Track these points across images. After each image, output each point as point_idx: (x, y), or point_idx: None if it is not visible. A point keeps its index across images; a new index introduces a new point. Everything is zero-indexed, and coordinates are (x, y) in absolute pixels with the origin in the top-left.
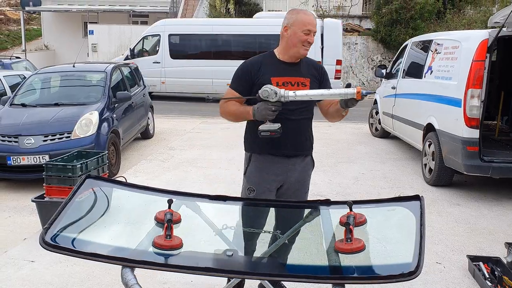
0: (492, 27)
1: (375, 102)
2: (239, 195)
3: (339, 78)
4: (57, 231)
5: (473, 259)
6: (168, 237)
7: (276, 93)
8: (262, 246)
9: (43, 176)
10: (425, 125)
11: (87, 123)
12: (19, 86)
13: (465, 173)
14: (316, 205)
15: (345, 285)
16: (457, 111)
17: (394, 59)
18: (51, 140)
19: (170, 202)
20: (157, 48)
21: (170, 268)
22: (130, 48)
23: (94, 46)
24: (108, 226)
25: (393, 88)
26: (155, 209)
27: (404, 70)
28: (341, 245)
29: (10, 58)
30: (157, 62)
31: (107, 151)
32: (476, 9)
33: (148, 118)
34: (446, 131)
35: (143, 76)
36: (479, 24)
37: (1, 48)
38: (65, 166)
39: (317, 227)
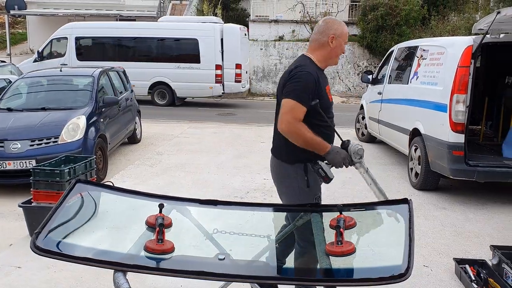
0: (476, 34)
1: (362, 107)
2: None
3: (239, 81)
4: (48, 236)
5: (460, 262)
6: (160, 241)
7: (361, 158)
8: (254, 249)
9: (31, 181)
10: (411, 130)
11: (74, 128)
12: (5, 90)
13: (451, 177)
14: (307, 209)
15: (336, 287)
16: (443, 116)
17: (380, 65)
18: (37, 144)
19: (161, 206)
20: (65, 51)
21: (162, 272)
22: (38, 51)
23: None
24: (99, 231)
25: (379, 93)
26: (146, 214)
27: (390, 75)
28: (332, 248)
29: None
30: (64, 64)
31: (94, 156)
32: (460, 16)
33: (136, 123)
34: (432, 135)
35: None
36: (463, 30)
37: None
38: (53, 171)
39: (308, 231)
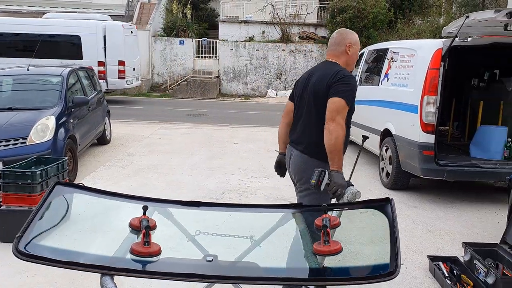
0: (446, 37)
1: None
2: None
3: (123, 78)
4: (30, 240)
5: (433, 259)
6: (146, 243)
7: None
8: (238, 251)
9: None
10: (382, 130)
11: (43, 128)
12: None
13: (421, 176)
14: (290, 209)
15: (327, 286)
16: (414, 117)
17: None
18: (4, 146)
19: (145, 208)
20: None
21: (152, 275)
22: None
23: None
24: (81, 234)
25: None
26: (128, 216)
27: (360, 77)
28: (319, 247)
29: None
30: None
31: (66, 157)
32: (424, 20)
33: (105, 123)
34: (403, 136)
35: None
36: (428, 33)
37: None
38: (24, 173)
39: (292, 231)
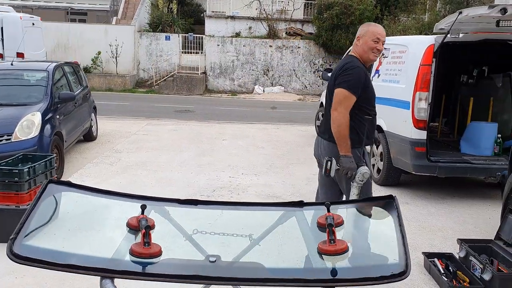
0: (439, 33)
1: (321, 104)
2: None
3: None
4: (25, 242)
5: (428, 255)
6: (146, 244)
7: (362, 181)
8: (236, 250)
9: None
10: None
11: (29, 125)
12: None
13: (413, 172)
14: (290, 207)
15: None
16: (406, 113)
17: None
18: None
19: (143, 207)
20: None
21: (154, 278)
22: None
23: None
24: (78, 234)
25: None
26: (124, 215)
27: None
28: (324, 247)
29: None
30: None
31: (54, 155)
32: (410, 16)
33: (91, 120)
34: (395, 132)
35: None
36: (414, 30)
37: None
38: (11, 171)
39: (294, 230)
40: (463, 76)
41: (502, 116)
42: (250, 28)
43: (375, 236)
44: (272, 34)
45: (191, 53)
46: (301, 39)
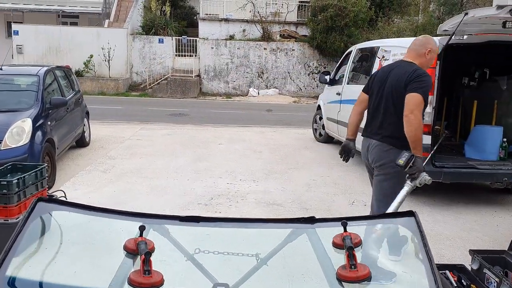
0: (442, 35)
1: (319, 107)
2: (192, 208)
3: None
4: (10, 273)
5: (439, 267)
6: (146, 273)
7: (419, 185)
8: (241, 271)
9: None
10: None
11: (19, 132)
12: None
13: None
14: (300, 223)
15: None
16: None
17: (337, 66)
18: None
19: (142, 228)
20: None
21: None
22: None
23: (20, 48)
24: (71, 261)
25: (338, 94)
26: (121, 236)
27: (349, 76)
28: (344, 273)
29: None
30: None
31: (46, 164)
32: (404, 18)
33: (84, 125)
34: None
35: None
36: (408, 32)
37: None
38: None
39: (306, 249)
40: (464, 78)
41: (506, 120)
42: (244, 30)
43: (397, 258)
44: (266, 37)
45: (185, 56)
46: (295, 41)
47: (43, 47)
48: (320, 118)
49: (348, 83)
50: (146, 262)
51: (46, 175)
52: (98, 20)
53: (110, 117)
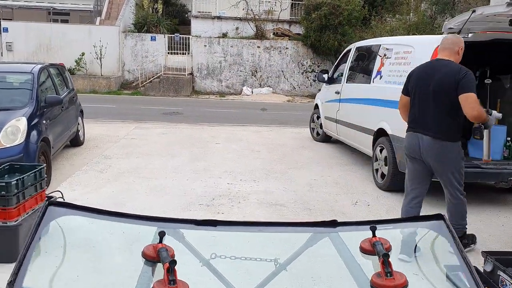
0: (447, 33)
1: (316, 106)
2: (194, 209)
3: None
4: (29, 283)
5: None
6: (172, 282)
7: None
8: (259, 276)
9: None
10: (375, 130)
11: (14, 131)
12: None
13: None
14: (321, 227)
15: None
16: None
17: (335, 64)
18: None
19: (162, 234)
20: None
21: None
22: None
23: (9, 45)
24: (88, 270)
25: (337, 93)
26: (137, 243)
27: (348, 75)
28: (379, 281)
29: None
30: None
31: (44, 165)
32: (396, 18)
33: (78, 124)
34: (401, 136)
35: None
36: (401, 31)
37: None
38: None
39: (328, 254)
40: None
41: (510, 119)
42: (237, 28)
43: (431, 265)
44: (259, 35)
45: (177, 53)
46: (289, 39)
47: (33, 44)
48: (318, 117)
49: (347, 82)
50: (171, 271)
51: (45, 175)
52: (89, 17)
53: (103, 116)
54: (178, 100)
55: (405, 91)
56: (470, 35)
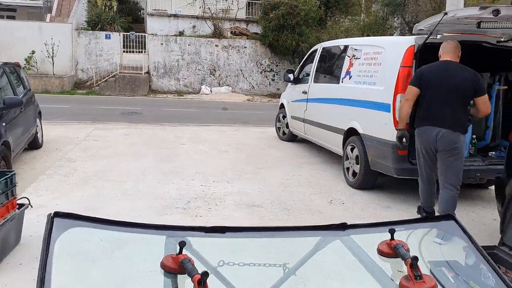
0: (418, 34)
1: (282, 106)
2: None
3: None
4: None
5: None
6: None
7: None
8: (268, 282)
9: None
10: (346, 129)
11: None
12: None
13: (395, 176)
14: (330, 230)
15: None
16: (386, 116)
17: (301, 64)
18: None
19: (182, 244)
20: None
21: None
22: None
23: None
24: (110, 284)
25: (304, 93)
26: (153, 254)
27: (315, 75)
28: (410, 285)
29: None
30: None
31: (13, 171)
32: (348, 18)
33: (37, 125)
34: (373, 135)
35: None
36: (356, 31)
37: None
38: None
39: (343, 259)
40: None
41: (475, 118)
42: (194, 27)
43: (453, 268)
44: (217, 34)
45: (133, 52)
46: (247, 39)
47: None
48: (284, 117)
49: (314, 82)
50: (203, 283)
51: (16, 182)
52: (38, 14)
53: (59, 117)
54: (136, 100)
55: (418, 85)
56: (438, 36)
